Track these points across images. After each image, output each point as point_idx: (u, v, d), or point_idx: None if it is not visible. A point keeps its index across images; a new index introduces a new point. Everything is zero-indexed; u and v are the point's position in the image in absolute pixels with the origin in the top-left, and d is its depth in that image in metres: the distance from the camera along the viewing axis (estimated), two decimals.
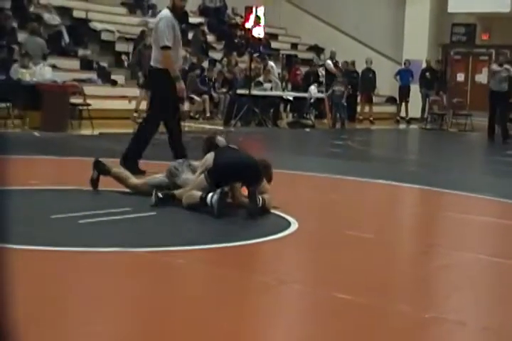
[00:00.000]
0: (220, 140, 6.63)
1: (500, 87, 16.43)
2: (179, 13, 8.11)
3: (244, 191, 6.22)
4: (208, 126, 16.57)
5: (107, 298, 3.81)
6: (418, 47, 23.11)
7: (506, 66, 16.66)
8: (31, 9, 17.96)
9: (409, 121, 22.45)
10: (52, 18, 17.88)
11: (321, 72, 22.89)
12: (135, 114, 16.36)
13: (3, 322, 1.79)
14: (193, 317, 3.57)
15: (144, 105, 16.68)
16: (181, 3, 8.03)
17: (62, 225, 5.36)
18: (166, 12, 8.07)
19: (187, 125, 16.77)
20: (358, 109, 22.17)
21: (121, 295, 3.88)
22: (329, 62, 21.50)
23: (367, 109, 22.20)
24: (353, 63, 22.04)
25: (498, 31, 23.57)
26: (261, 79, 18.44)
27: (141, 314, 3.59)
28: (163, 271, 4.39)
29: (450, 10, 23.07)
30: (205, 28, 22.16)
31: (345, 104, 19.85)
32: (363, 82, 21.90)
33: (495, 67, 16.75)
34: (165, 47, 7.80)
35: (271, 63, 19.54)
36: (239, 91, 17.67)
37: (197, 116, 18.24)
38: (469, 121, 20.68)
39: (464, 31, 24.54)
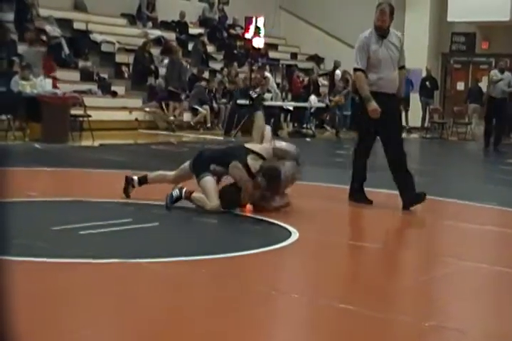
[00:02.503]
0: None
1: (502, 93, 16.38)
2: (380, 33, 7.45)
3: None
4: (208, 137, 16.60)
5: (108, 309, 3.81)
6: (418, 56, 23.14)
7: (508, 73, 16.62)
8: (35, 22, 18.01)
9: (410, 130, 22.47)
10: (53, 30, 17.94)
11: (321, 81, 22.94)
12: (172, 118, 17.46)
13: (4, 331, 1.80)
14: (193, 327, 3.56)
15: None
16: (377, 23, 7.44)
17: (62, 236, 5.36)
18: (365, 32, 7.56)
19: (186, 135, 16.82)
20: None
21: (121, 306, 3.88)
22: (338, 72, 21.61)
23: None
24: None
25: (497, 40, 23.62)
26: (257, 91, 18.47)
27: (140, 324, 3.59)
28: (163, 282, 4.39)
29: (450, 19, 23.12)
30: (205, 39, 22.21)
31: (347, 113, 20.00)
32: None
33: (496, 73, 16.66)
34: (355, 69, 7.47)
35: (266, 73, 19.59)
36: (239, 102, 17.71)
37: (198, 126, 18.26)
38: (469, 130, 20.70)
39: (464, 40, 24.58)
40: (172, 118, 17.72)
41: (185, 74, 18.59)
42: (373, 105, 7.26)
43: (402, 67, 7.63)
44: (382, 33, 7.41)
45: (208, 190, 6.58)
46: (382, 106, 7.27)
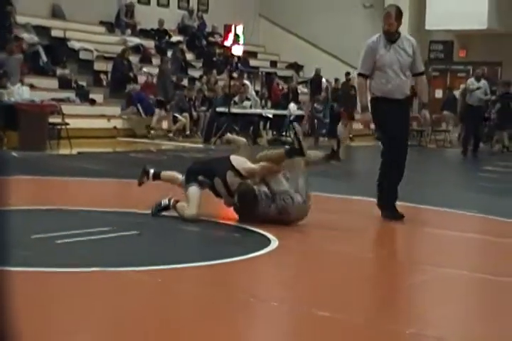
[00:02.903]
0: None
1: (478, 101, 16.44)
2: (388, 37, 7.06)
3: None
4: (188, 145, 16.56)
5: (86, 319, 3.77)
6: None
7: (484, 81, 16.70)
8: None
9: None
10: (31, 38, 17.85)
11: (301, 89, 23.00)
12: (152, 131, 17.61)
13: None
14: (172, 335, 3.54)
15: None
16: (384, 27, 7.05)
17: (41, 245, 5.32)
18: (372, 37, 7.22)
19: (166, 143, 16.79)
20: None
21: (100, 316, 3.84)
22: (324, 80, 21.75)
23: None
24: (336, 81, 22.24)
25: (475, 48, 23.79)
26: (236, 99, 18.49)
27: (120, 334, 3.56)
28: (142, 291, 4.35)
29: (428, 27, 23.26)
30: (184, 47, 22.19)
31: (326, 120, 20.12)
32: (346, 100, 22.12)
33: (473, 81, 16.71)
34: (358, 74, 7.26)
35: (245, 81, 19.62)
36: (218, 110, 17.70)
37: (177, 134, 18.17)
38: (448, 137, 20.81)
39: (442, 48, 24.74)
40: (161, 128, 18.07)
41: (172, 84, 18.91)
42: (365, 115, 7.18)
43: (420, 74, 7.40)
44: (390, 36, 7.08)
45: (190, 198, 6.59)
46: (387, 113, 7.05)
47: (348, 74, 22.20)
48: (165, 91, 18.30)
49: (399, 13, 7.11)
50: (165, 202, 6.69)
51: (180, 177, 7.01)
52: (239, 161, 6.77)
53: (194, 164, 7.06)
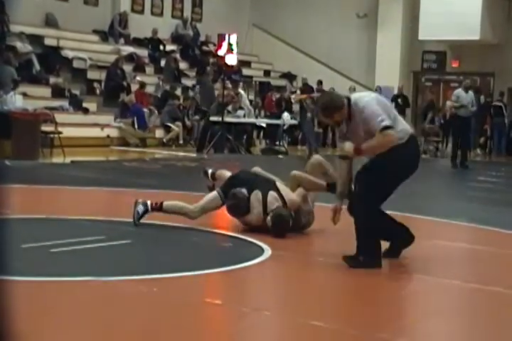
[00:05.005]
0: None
1: (466, 112, 16.45)
2: None
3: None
4: (180, 154, 16.56)
5: (80, 328, 3.76)
6: (390, 74, 23.32)
7: (470, 92, 16.73)
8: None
9: None
10: (24, 47, 17.85)
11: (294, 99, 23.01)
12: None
13: None
14: None
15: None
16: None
17: (33, 254, 5.31)
18: None
19: (159, 152, 16.78)
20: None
21: (93, 325, 3.83)
22: (298, 92, 21.79)
23: None
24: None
25: (467, 58, 23.85)
26: (230, 108, 18.49)
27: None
28: (137, 300, 4.35)
29: (421, 37, 23.31)
30: (178, 56, 22.21)
31: (319, 130, 20.11)
32: None
33: (460, 91, 16.70)
34: None
35: (239, 90, 19.65)
36: (212, 119, 17.72)
37: (170, 143, 18.25)
38: (441, 147, 20.84)
39: (435, 58, 24.79)
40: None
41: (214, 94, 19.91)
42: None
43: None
44: None
45: (205, 198, 6.69)
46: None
47: (353, 90, 22.26)
48: (208, 101, 19.18)
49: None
50: (140, 208, 6.55)
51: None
52: (286, 191, 6.71)
53: (240, 173, 7.08)
